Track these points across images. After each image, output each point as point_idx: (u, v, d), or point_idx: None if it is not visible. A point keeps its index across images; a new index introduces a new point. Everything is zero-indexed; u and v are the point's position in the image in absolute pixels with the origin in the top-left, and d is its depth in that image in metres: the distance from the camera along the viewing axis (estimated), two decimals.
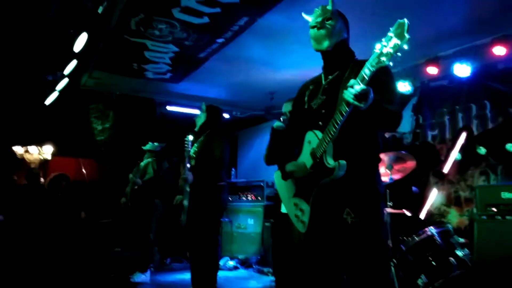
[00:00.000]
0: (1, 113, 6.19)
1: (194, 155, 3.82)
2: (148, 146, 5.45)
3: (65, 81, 5.11)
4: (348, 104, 1.67)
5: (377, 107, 1.72)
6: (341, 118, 1.73)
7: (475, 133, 4.63)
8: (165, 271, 5.76)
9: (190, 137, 3.82)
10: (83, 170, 7.07)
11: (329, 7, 1.99)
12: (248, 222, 6.30)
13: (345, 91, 1.66)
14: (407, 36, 1.50)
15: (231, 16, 3.96)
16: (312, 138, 1.94)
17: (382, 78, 1.85)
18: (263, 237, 5.95)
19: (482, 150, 4.39)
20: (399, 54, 1.53)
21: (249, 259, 6.01)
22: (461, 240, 3.60)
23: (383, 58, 1.56)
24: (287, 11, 3.83)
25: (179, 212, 3.79)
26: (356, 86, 1.62)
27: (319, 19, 1.98)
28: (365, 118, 1.78)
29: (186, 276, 3.81)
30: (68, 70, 4.72)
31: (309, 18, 2.04)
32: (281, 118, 3.51)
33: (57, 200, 5.66)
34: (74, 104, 6.46)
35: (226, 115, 7.04)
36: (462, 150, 4.68)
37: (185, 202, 3.69)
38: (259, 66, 5.34)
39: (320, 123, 1.94)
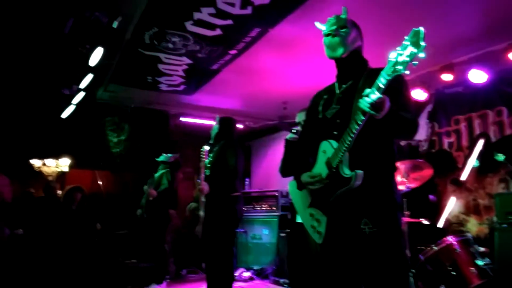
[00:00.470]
0: (18, 126, 6.32)
1: (209, 165, 3.84)
2: (162, 157, 5.49)
3: (81, 94, 5.20)
4: (364, 113, 1.66)
5: (392, 115, 1.71)
6: (357, 127, 1.71)
7: (493, 139, 4.55)
8: (181, 282, 5.76)
9: (206, 148, 3.84)
10: (99, 182, 7.14)
11: (343, 16, 1.99)
12: (263, 233, 6.27)
13: (360, 100, 1.65)
14: (423, 44, 1.48)
15: (243, 28, 4.00)
16: (327, 148, 1.93)
17: (397, 86, 1.83)
18: (278, 248, 5.90)
19: (500, 157, 4.30)
20: (415, 62, 1.52)
21: (265, 270, 5.97)
22: (482, 249, 3.53)
23: (399, 67, 1.54)
24: (298, 22, 3.85)
25: (195, 223, 3.79)
26: (372, 95, 1.61)
27: (334, 27, 1.98)
28: (381, 126, 1.77)
29: (202, 287, 3.79)
30: (84, 84, 4.81)
31: (322, 27, 2.04)
32: (293, 129, 3.52)
33: (71, 213, 5.72)
34: (90, 117, 6.56)
35: (239, 126, 7.07)
36: (480, 157, 4.60)
37: (201, 213, 3.69)
38: (271, 76, 5.36)
39: (335, 132, 1.92)
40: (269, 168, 7.71)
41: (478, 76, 4.36)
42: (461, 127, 4.91)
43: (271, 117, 6.90)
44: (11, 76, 5.28)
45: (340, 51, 1.98)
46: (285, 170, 3.57)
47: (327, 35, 2.01)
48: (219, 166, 3.78)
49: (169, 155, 5.42)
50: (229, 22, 3.85)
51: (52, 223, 5.20)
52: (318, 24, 2.06)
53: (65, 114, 5.79)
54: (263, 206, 6.46)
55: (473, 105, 4.80)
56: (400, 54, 1.54)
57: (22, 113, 6.20)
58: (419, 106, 5.06)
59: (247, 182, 7.68)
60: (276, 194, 6.32)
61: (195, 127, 6.92)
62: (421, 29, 1.50)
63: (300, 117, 3.58)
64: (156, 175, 5.20)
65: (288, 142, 3.62)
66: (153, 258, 4.98)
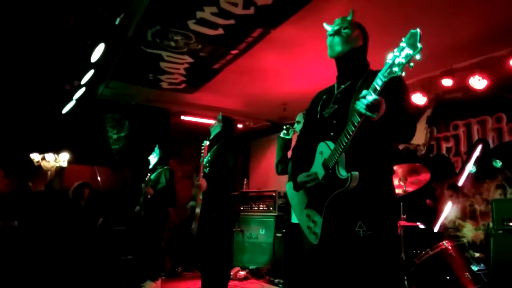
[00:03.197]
0: (19, 121, 6.32)
1: (207, 164, 3.85)
2: (155, 155, 5.44)
3: (82, 90, 5.20)
4: (360, 114, 1.67)
5: (390, 118, 1.72)
6: (353, 128, 1.72)
7: (491, 145, 4.56)
8: (176, 280, 5.77)
9: (207, 143, 3.85)
10: (98, 178, 7.15)
11: (348, 18, 2.02)
12: (259, 232, 6.28)
13: (357, 102, 1.66)
14: (419, 46, 1.49)
15: (245, 28, 4.01)
16: (324, 149, 1.94)
17: (395, 88, 1.85)
18: (274, 248, 5.92)
19: (498, 163, 4.31)
20: (411, 64, 1.53)
21: (260, 270, 5.98)
22: (477, 254, 3.54)
23: (395, 69, 1.55)
24: (301, 23, 3.87)
25: (191, 219, 3.80)
26: (369, 97, 1.62)
27: (337, 28, 2.02)
28: (377, 129, 1.78)
29: (197, 285, 3.80)
30: (85, 80, 4.82)
31: (329, 28, 2.07)
32: (285, 126, 3.56)
33: (80, 208, 5.77)
34: (91, 113, 6.57)
35: (239, 125, 7.08)
36: (478, 162, 4.62)
37: (197, 210, 3.70)
38: (272, 77, 5.37)
39: (331, 133, 1.94)
40: (267, 169, 7.72)
41: (478, 82, 4.38)
42: (460, 133, 4.93)
43: (271, 118, 6.92)
44: (13, 71, 5.29)
45: (338, 49, 2.01)
46: (279, 167, 3.60)
47: (330, 35, 2.04)
48: (217, 165, 3.79)
49: (158, 149, 5.34)
50: (232, 22, 3.86)
51: (51, 217, 5.21)
52: (325, 25, 2.09)
53: (65, 110, 5.80)
54: (261, 206, 6.47)
55: (472, 111, 4.82)
56: (397, 56, 1.55)
57: (23, 107, 6.20)
58: (419, 110, 5.07)
59: (245, 182, 7.69)
60: (274, 194, 6.34)
61: (196, 126, 6.93)
62: (418, 30, 1.51)
63: (299, 117, 3.60)
64: (154, 174, 5.20)
65: (280, 139, 3.66)
66: (149, 255, 4.99)
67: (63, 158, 7.18)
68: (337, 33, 2.01)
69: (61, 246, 4.93)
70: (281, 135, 3.64)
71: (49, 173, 7.14)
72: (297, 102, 5.34)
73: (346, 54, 2.01)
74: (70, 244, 5.05)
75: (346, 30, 2.00)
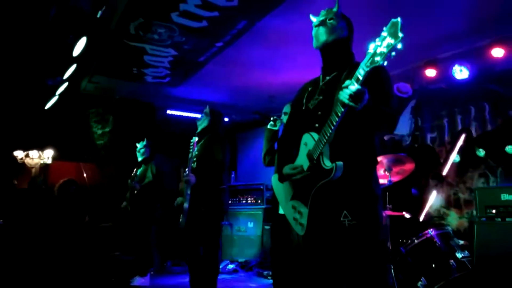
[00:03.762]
0: (1, 117, 6.20)
1: (195, 159, 3.83)
2: (139, 153, 5.36)
3: (65, 85, 5.12)
4: (343, 104, 1.67)
5: (372, 108, 1.73)
6: (337, 119, 1.73)
7: (474, 135, 4.63)
8: (165, 275, 5.76)
9: (196, 139, 3.83)
10: (84, 174, 7.07)
11: (334, 9, 2.02)
12: (248, 225, 6.30)
13: (340, 92, 1.67)
14: (401, 35, 1.50)
15: (230, 20, 3.98)
16: (309, 140, 1.95)
17: (378, 79, 1.86)
18: (263, 240, 5.94)
19: (481, 152, 4.39)
20: (393, 53, 1.54)
21: (249, 262, 6.00)
22: (461, 242, 3.60)
23: (377, 58, 1.56)
24: (285, 15, 3.85)
25: (179, 215, 3.79)
26: (351, 87, 1.62)
27: (322, 18, 2.03)
28: (361, 119, 1.79)
29: (186, 279, 3.79)
30: (67, 74, 4.74)
31: (315, 20, 2.07)
32: (272, 117, 3.55)
33: (65, 205, 5.71)
34: (74, 108, 6.47)
35: (225, 119, 7.06)
36: (461, 152, 4.69)
37: (185, 205, 3.68)
38: (258, 70, 5.36)
39: (316, 125, 1.94)
40: (255, 162, 7.71)
41: (461, 73, 4.43)
42: (444, 123, 5.00)
43: (257, 110, 6.89)
44: None
45: (323, 39, 2.01)
46: (266, 159, 3.59)
47: (315, 26, 2.04)
48: (205, 159, 3.78)
49: (143, 142, 5.28)
50: (215, 14, 3.83)
51: (37, 214, 5.15)
52: (311, 16, 2.09)
53: (48, 105, 5.70)
54: (249, 199, 6.48)
55: (455, 101, 4.89)
56: (379, 46, 1.56)
57: (5, 104, 6.08)
58: (403, 101, 5.12)
59: (232, 175, 7.69)
60: (262, 187, 6.35)
61: (181, 120, 6.88)
62: (399, 19, 1.52)
63: (286, 109, 3.58)
64: (140, 169, 5.16)
65: (267, 130, 3.64)
66: (137, 250, 4.96)
67: (47, 155, 7.07)
68: (322, 23, 2.01)
69: (47, 243, 4.88)
70: (268, 126, 3.63)
71: (33, 170, 7.04)
72: (284, 94, 5.33)
73: (331, 44, 2.01)
74: (56, 241, 5.00)
75: (331, 21, 2.00)
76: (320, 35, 2.02)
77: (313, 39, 2.06)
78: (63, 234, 5.19)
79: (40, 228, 5.00)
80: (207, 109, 4.00)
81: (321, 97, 2.01)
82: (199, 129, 3.98)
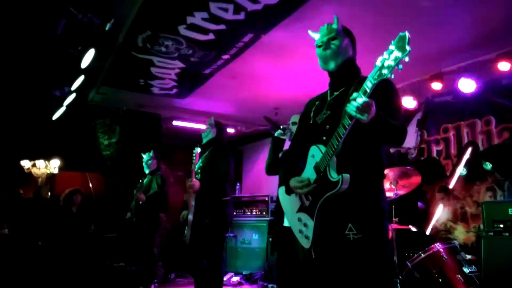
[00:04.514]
0: (9, 127, 6.26)
1: (199, 170, 3.84)
2: (145, 165, 5.36)
3: (72, 96, 5.17)
4: (350, 117, 1.68)
5: (380, 121, 1.73)
6: (344, 131, 1.73)
7: (481, 148, 4.61)
8: (169, 286, 5.73)
9: (198, 149, 3.84)
10: (90, 184, 7.10)
11: (334, 26, 2.01)
12: (252, 237, 6.27)
13: (348, 104, 1.67)
14: (408, 48, 1.51)
15: (236, 33, 4.02)
16: (316, 152, 1.95)
17: (386, 92, 1.86)
18: (267, 253, 5.90)
19: (488, 166, 4.36)
20: (400, 66, 1.55)
21: (254, 275, 5.96)
22: (468, 256, 3.56)
23: (385, 71, 1.57)
24: (291, 28, 3.88)
25: (184, 227, 3.78)
26: (359, 99, 1.63)
27: (325, 39, 2.01)
28: (368, 132, 1.79)
29: None
30: (75, 85, 4.79)
31: (315, 36, 2.07)
32: (281, 126, 3.53)
33: (71, 215, 5.72)
34: (81, 119, 6.53)
35: (231, 130, 7.08)
36: (468, 165, 4.66)
37: (190, 217, 3.68)
38: (263, 82, 5.38)
39: (324, 138, 1.94)
40: (260, 173, 7.70)
41: (467, 86, 4.42)
42: (450, 136, 4.98)
43: (262, 122, 6.91)
44: (2, 77, 5.24)
45: (331, 65, 2.01)
46: (270, 168, 3.53)
47: (319, 46, 2.04)
48: (209, 170, 3.78)
49: (150, 153, 5.27)
50: (222, 27, 3.87)
51: (42, 224, 5.16)
52: (311, 33, 2.09)
53: (56, 116, 5.75)
54: (253, 210, 6.46)
55: (462, 114, 4.87)
56: (386, 59, 1.57)
57: (13, 114, 6.15)
58: (409, 114, 5.11)
59: (237, 187, 7.68)
60: (267, 199, 6.33)
61: (187, 131, 6.91)
62: (407, 33, 1.53)
63: (294, 118, 3.55)
64: (145, 180, 5.17)
65: (275, 139, 3.59)
66: (141, 261, 4.95)
67: (54, 165, 7.13)
68: (326, 46, 2.00)
69: (52, 253, 4.88)
70: (276, 134, 3.58)
71: (39, 180, 7.08)
72: (289, 106, 5.35)
73: (339, 66, 2.01)
74: (61, 251, 5.00)
75: (335, 41, 2.00)
76: (327, 59, 2.01)
77: (319, 60, 2.06)
78: (69, 244, 5.19)
79: (46, 238, 5.00)
80: (211, 121, 4.01)
81: (329, 112, 2.01)
82: (204, 140, 4.00)
